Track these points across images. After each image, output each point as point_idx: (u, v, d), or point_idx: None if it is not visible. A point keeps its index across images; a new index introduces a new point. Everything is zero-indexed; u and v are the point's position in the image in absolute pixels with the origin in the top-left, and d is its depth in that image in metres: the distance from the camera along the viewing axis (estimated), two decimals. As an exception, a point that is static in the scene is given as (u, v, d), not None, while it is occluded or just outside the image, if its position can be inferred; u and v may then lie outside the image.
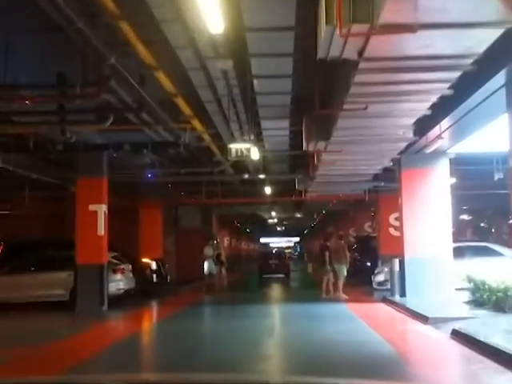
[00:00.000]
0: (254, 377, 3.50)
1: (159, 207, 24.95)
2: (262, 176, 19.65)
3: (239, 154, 12.88)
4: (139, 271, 21.93)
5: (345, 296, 18.97)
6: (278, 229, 60.10)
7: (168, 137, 15.24)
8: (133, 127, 14.35)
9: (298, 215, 37.77)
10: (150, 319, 17.45)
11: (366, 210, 32.51)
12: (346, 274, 19.56)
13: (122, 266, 18.60)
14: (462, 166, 19.33)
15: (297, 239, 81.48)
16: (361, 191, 23.86)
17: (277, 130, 15.30)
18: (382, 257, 24.54)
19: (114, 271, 18.17)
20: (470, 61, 7.68)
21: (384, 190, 23.75)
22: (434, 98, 9.72)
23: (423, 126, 12.96)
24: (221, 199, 24.31)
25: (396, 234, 24.64)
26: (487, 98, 9.95)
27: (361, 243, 29.51)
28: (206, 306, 19.13)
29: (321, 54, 7.49)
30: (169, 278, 23.61)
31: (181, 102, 12.63)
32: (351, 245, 28.83)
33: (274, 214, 37.20)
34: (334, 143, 13.21)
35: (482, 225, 37.31)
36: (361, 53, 7.22)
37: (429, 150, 15.35)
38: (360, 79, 8.28)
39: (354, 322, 13.66)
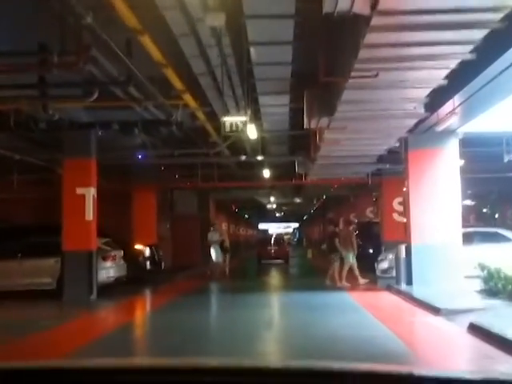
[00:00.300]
0: (253, 361, 3.49)
1: (153, 191, 23.92)
2: (260, 158, 18.59)
3: (234, 128, 11.83)
4: (132, 258, 20.98)
5: (347, 284, 18.03)
6: (277, 214, 59.15)
7: (159, 114, 14.21)
8: (121, 103, 13.32)
9: (298, 200, 36.79)
10: (141, 309, 16.50)
11: (368, 194, 31.56)
12: (352, 261, 18.48)
13: (112, 253, 17.62)
14: (468, 148, 18.28)
15: (296, 225, 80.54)
16: (363, 174, 22.82)
17: (276, 106, 14.24)
18: (385, 243, 23.58)
19: (104, 258, 17.19)
20: (499, 16, 6.64)
21: (388, 174, 22.75)
22: (452, 65, 8.66)
23: (434, 101, 11.88)
24: (217, 183, 23.28)
25: (400, 219, 23.70)
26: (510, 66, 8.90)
27: (363, 229, 28.48)
28: (201, 294, 18.11)
29: (327, 7, 6.45)
30: (163, 264, 22.64)
31: (171, 75, 11.56)
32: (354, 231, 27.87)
33: (272, 199, 36.21)
34: (337, 119, 12.14)
35: (485, 210, 36.29)
36: (374, 5, 6.20)
37: (439, 129, 14.30)
38: (371, 40, 7.24)
39: (359, 313, 12.70)
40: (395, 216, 23.48)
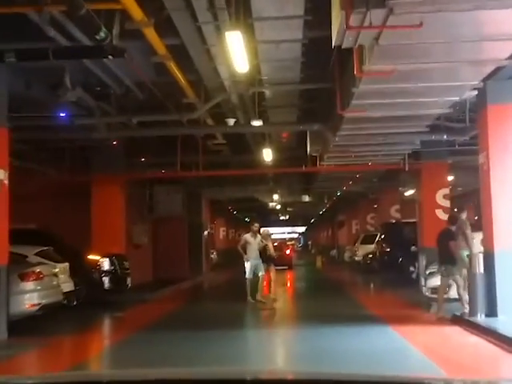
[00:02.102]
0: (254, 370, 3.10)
1: (119, 184, 18.10)
2: (256, 123, 12.70)
3: None
4: (84, 273, 15.31)
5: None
6: (282, 217, 53.23)
7: (81, 37, 8.49)
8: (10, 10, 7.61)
9: (306, 199, 30.93)
10: (67, 357, 10.50)
11: (392, 190, 25.73)
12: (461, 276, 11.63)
13: (36, 269, 11.79)
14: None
15: (302, 229, 74.54)
16: (398, 158, 17.00)
17: (281, 19, 8.50)
18: (424, 250, 17.75)
19: (22, 277, 11.40)
20: None
21: (429, 157, 17.02)
22: None
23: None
24: (202, 171, 17.46)
25: (446, 217, 17.90)
26: None
27: (389, 232, 22.75)
28: (167, 329, 11.85)
29: None
30: (129, 280, 16.79)
31: None
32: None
33: (276, 197, 30.43)
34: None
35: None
36: None
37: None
38: None
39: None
40: (439, 213, 17.63)
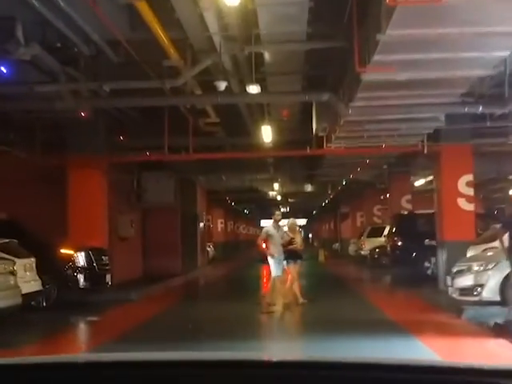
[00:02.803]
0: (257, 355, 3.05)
1: (100, 168, 15.98)
2: (252, 89, 10.43)
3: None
4: (55, 270, 13.29)
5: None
6: (282, 210, 51.04)
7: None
8: None
9: (309, 189, 28.82)
10: None
11: (403, 178, 23.66)
12: None
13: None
14: None
15: (303, 221, 72.30)
16: (416, 139, 14.87)
17: None
18: (444, 245, 15.70)
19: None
20: None
21: (450, 139, 14.94)
22: None
23: None
24: (193, 154, 15.31)
25: (469, 207, 15.87)
26: None
27: (401, 224, 20.66)
28: (145, 339, 9.66)
29: None
30: (108, 278, 14.69)
31: None
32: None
33: (276, 187, 28.29)
34: None
35: None
36: None
37: None
38: None
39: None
40: (461, 203, 15.56)
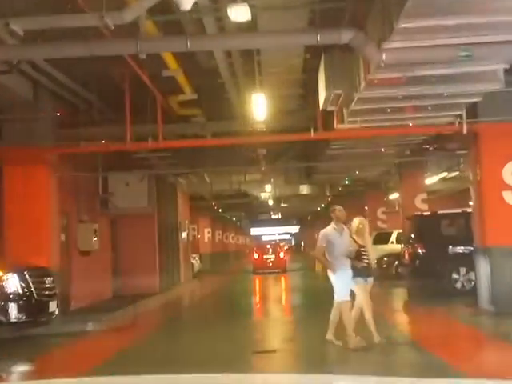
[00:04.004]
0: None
1: (45, 163, 12.37)
2: (239, 13, 6.83)
3: None
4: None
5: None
6: (274, 216, 47.43)
7: None
8: None
9: (304, 191, 25.29)
10: None
11: (416, 174, 20.24)
12: None
13: None
14: None
15: (295, 229, 68.73)
16: (452, 116, 11.42)
17: None
18: (487, 251, 12.27)
19: None
20: None
21: (497, 112, 11.57)
22: None
23: None
24: (163, 142, 11.74)
25: (517, 202, 12.45)
26: None
27: (421, 227, 17.14)
28: None
29: None
30: (53, 306, 11.04)
31: None
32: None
33: (268, 189, 24.75)
34: None
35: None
36: None
37: None
38: None
39: None
40: (508, 197, 12.16)
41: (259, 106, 10.62)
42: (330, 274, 8.83)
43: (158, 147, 12.21)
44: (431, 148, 17.77)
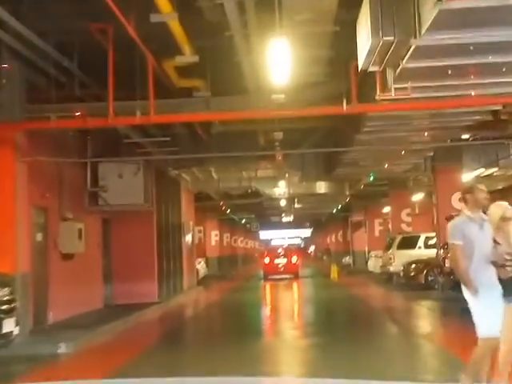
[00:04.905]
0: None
1: (9, 142, 9.91)
2: None
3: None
4: None
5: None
6: (286, 219, 44.71)
7: None
8: None
9: (322, 190, 22.74)
10: None
11: (452, 170, 17.63)
12: None
13: None
14: None
15: (307, 232, 66.02)
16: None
17: None
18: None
19: None
20: None
21: None
22: None
23: None
24: (154, 117, 9.23)
25: None
26: None
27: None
28: None
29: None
30: (11, 325, 8.55)
31: None
32: None
33: (282, 185, 22.09)
34: None
35: None
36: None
37: None
38: None
39: None
40: None
41: (279, 67, 8.08)
42: (466, 294, 5.66)
43: (149, 122, 9.68)
44: (471, 137, 15.46)
